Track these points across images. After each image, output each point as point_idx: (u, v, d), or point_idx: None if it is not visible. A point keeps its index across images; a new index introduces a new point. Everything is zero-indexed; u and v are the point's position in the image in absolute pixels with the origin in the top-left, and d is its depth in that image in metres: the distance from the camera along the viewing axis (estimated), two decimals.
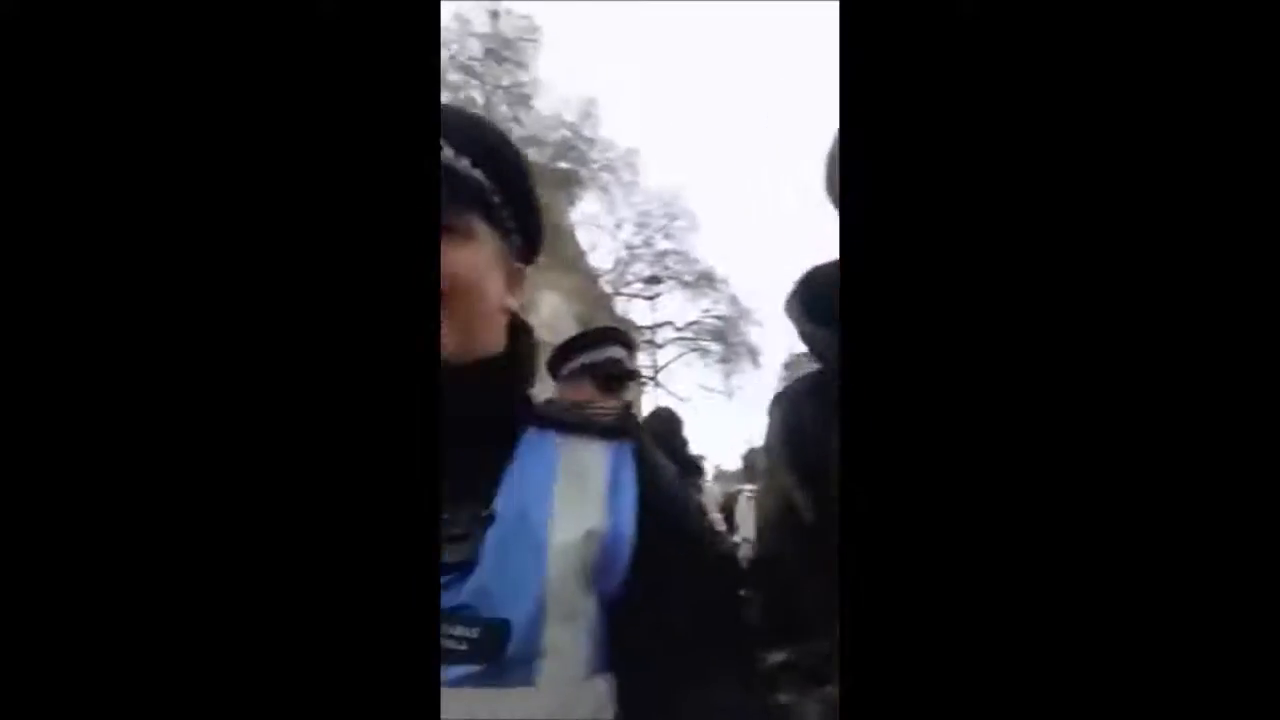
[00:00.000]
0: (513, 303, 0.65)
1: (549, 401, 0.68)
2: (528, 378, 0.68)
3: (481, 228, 0.61)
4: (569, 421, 0.63)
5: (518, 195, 0.65)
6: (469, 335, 0.60)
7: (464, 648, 0.51)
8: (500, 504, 0.57)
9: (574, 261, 15.77)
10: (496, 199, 0.62)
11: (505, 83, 15.06)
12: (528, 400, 0.67)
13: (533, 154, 14.92)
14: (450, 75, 14.59)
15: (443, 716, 0.47)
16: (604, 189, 16.11)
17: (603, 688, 0.56)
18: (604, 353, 1.62)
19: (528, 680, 0.52)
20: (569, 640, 0.54)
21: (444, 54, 14.31)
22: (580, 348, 1.67)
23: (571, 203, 16.44)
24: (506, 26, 14.84)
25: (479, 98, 14.78)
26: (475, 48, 14.80)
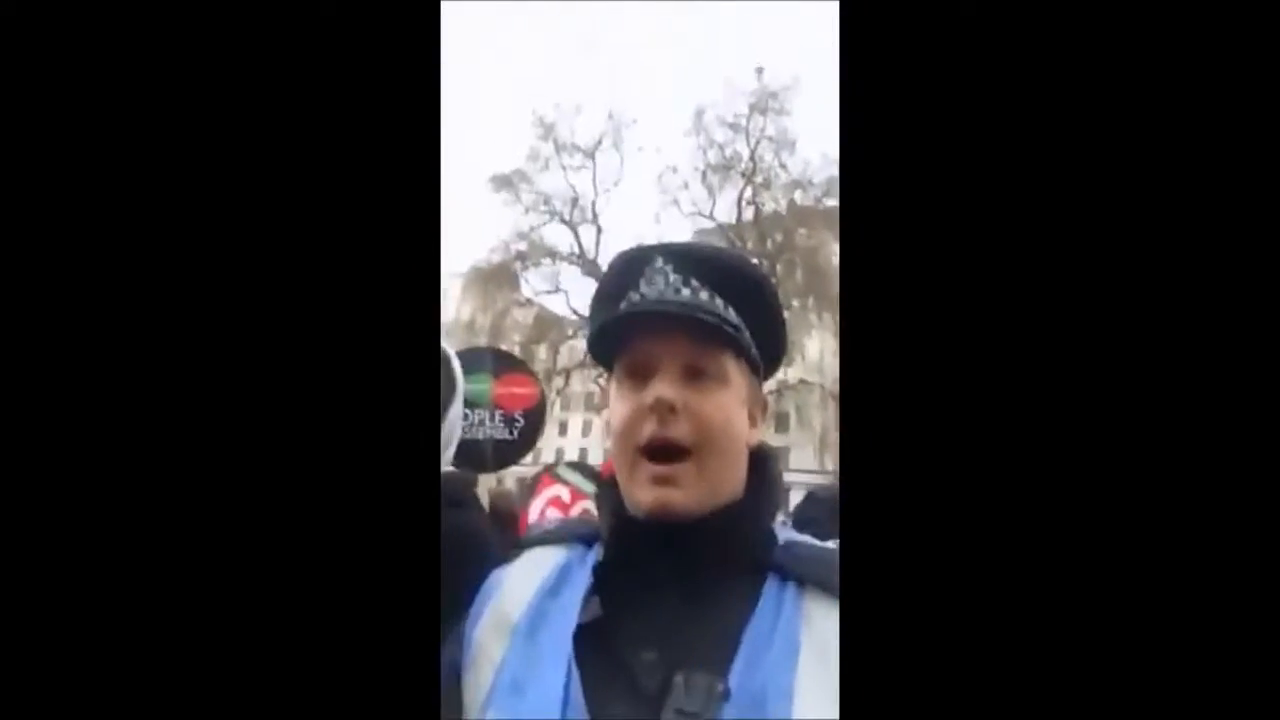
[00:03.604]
0: (756, 437, 0.63)
1: (789, 543, 0.61)
2: (770, 516, 0.63)
3: (735, 370, 0.61)
4: (814, 576, 0.56)
5: (770, 326, 0.65)
6: (717, 486, 0.59)
7: None
8: (737, 676, 0.52)
9: None
10: (748, 339, 0.63)
11: (770, 133, 16.06)
12: (768, 543, 0.61)
13: (798, 196, 15.87)
14: (716, 134, 16.05)
15: None
16: None
17: None
18: None
19: None
20: None
21: (711, 114, 15.79)
22: None
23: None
24: (770, 80, 15.83)
25: (744, 151, 16.05)
26: (741, 105, 15.94)
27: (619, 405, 0.62)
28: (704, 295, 0.62)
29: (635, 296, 0.63)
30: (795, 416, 18.80)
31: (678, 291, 0.61)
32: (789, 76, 17.30)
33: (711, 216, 16.70)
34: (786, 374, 18.34)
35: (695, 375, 0.60)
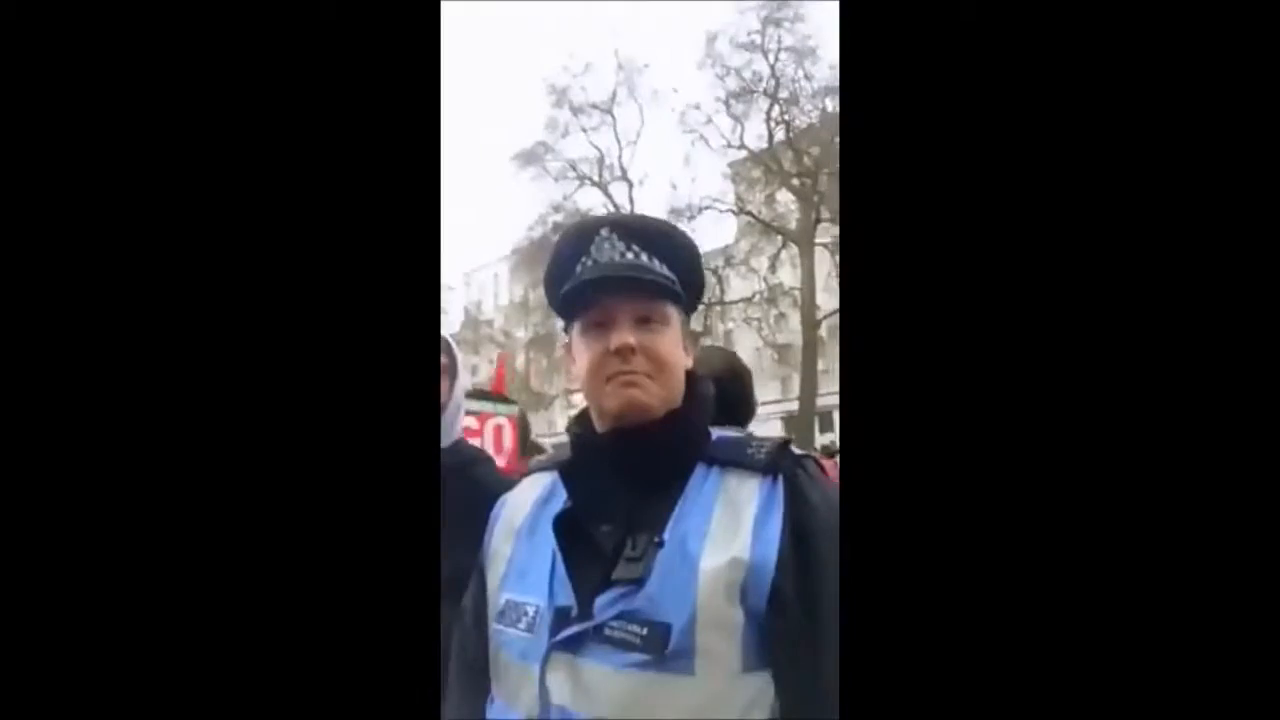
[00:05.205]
0: (689, 362, 0.83)
1: (719, 438, 0.81)
2: (703, 421, 0.82)
3: (673, 313, 0.81)
4: (731, 459, 0.76)
5: (694, 275, 0.84)
6: (668, 395, 0.78)
7: (637, 641, 0.68)
8: (669, 532, 0.72)
9: None
10: (678, 286, 0.81)
11: (788, 43, 15.36)
12: (702, 439, 0.80)
13: (830, 104, 15.12)
14: (732, 59, 15.35)
15: (618, 693, 0.64)
16: None
17: (757, 683, 0.68)
18: None
19: (688, 670, 0.66)
20: (719, 643, 0.67)
21: (723, 39, 15.18)
22: None
23: None
24: None
25: (764, 69, 15.31)
26: (752, 22, 15.22)
27: (586, 350, 0.79)
28: (644, 257, 0.79)
29: (589, 262, 0.79)
30: None
31: (623, 256, 0.79)
32: None
33: (742, 145, 16.11)
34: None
35: (645, 322, 0.78)
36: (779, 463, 0.74)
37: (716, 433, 0.81)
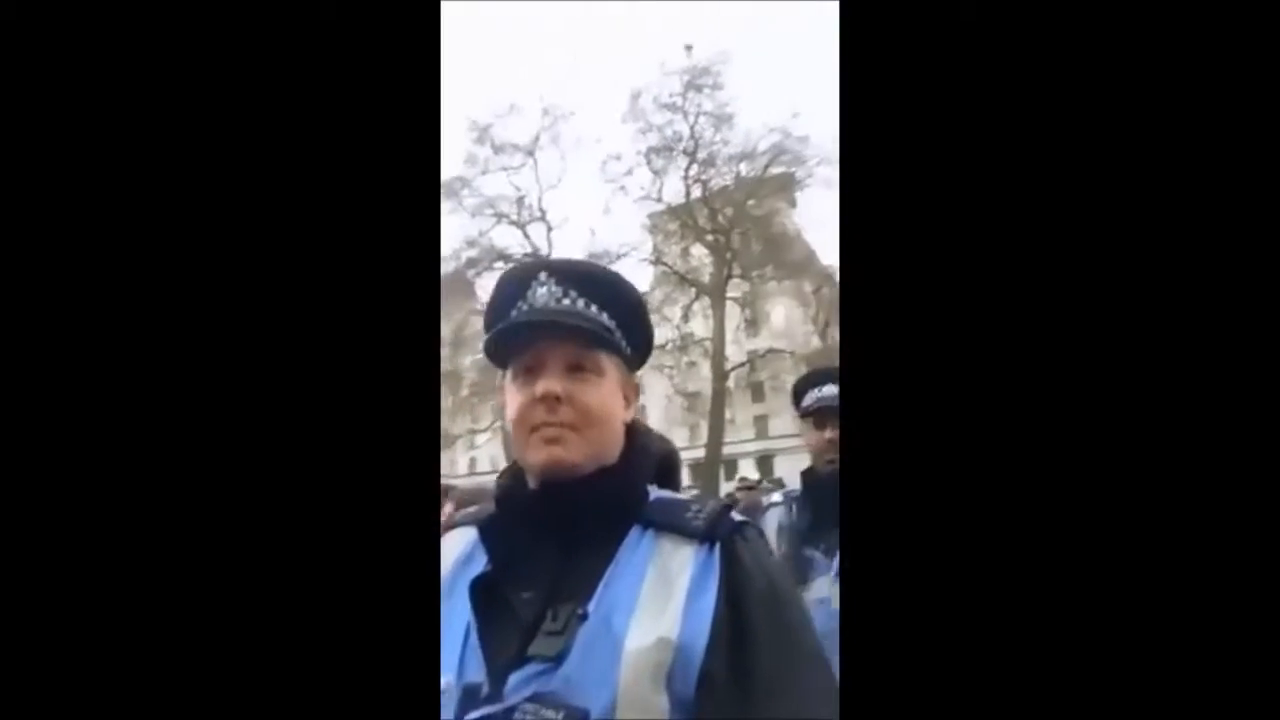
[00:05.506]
0: (629, 415, 0.79)
1: (657, 499, 0.75)
2: (640, 479, 0.77)
3: (609, 364, 0.76)
4: (667, 523, 0.71)
5: (636, 325, 0.80)
6: (598, 450, 0.74)
7: None
8: (595, 602, 0.66)
9: (804, 264, 16.01)
10: (619, 335, 0.77)
11: (707, 108, 16.04)
12: (639, 499, 0.75)
13: (744, 168, 15.85)
14: (654, 117, 15.98)
15: None
16: (828, 184, 15.39)
17: None
18: (823, 391, 1.65)
19: None
20: None
21: (647, 97, 15.86)
22: (810, 384, 1.70)
23: (793, 205, 16.71)
24: (700, 56, 15.90)
25: (684, 130, 15.97)
26: (675, 84, 15.93)
27: (515, 397, 0.75)
28: (580, 304, 0.76)
29: (524, 306, 0.76)
30: (769, 384, 19.01)
31: (559, 301, 0.75)
32: (718, 51, 17.34)
33: (659, 199, 16.69)
34: (755, 344, 18.53)
35: (576, 370, 0.74)
36: (717, 529, 0.69)
37: (655, 493, 0.76)
